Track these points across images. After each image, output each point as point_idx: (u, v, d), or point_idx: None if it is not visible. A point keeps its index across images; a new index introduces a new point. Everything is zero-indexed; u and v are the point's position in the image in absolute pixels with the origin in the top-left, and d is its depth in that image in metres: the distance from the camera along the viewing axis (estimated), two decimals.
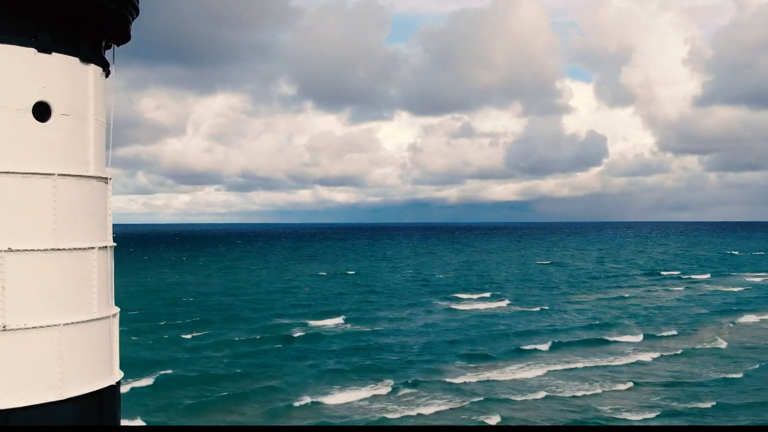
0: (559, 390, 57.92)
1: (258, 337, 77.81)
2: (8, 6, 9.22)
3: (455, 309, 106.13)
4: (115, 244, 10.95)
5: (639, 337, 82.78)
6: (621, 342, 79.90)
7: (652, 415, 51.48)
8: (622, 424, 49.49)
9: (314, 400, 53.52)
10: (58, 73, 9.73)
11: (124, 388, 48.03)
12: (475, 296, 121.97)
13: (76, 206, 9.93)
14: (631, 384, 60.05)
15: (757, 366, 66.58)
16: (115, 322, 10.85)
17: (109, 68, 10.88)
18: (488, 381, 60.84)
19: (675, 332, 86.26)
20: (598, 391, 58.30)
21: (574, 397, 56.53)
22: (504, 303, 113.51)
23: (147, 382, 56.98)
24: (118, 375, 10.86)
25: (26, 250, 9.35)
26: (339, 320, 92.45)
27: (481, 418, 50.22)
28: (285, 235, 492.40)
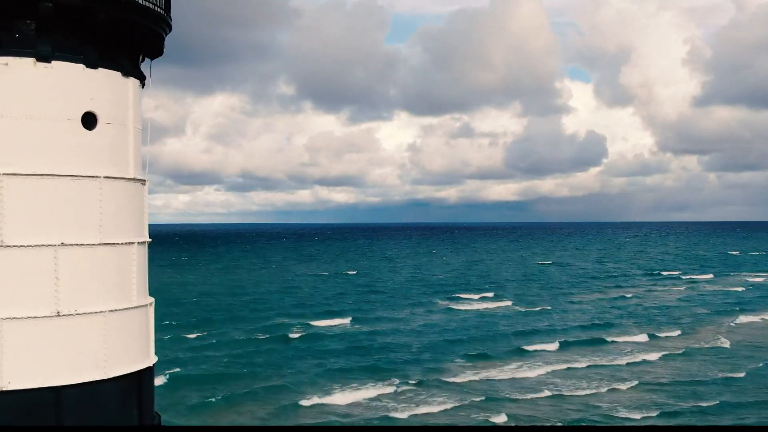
0: (561, 389, 58.33)
1: (259, 336, 78.07)
2: (60, 27, 10.33)
3: (456, 309, 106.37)
4: (150, 240, 12.06)
5: (640, 337, 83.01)
6: (622, 342, 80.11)
7: (654, 414, 51.88)
8: (623, 423, 49.84)
9: (316, 399, 53.87)
10: (103, 86, 10.84)
11: None
12: (476, 296, 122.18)
13: (118, 205, 11.05)
14: (632, 383, 60.35)
15: (760, 365, 67.00)
16: (151, 311, 11.97)
17: (145, 80, 11.99)
18: (490, 380, 61.26)
19: (676, 332, 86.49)
20: (601, 390, 58.66)
21: (576, 396, 56.85)
22: (505, 303, 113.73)
23: None
24: (154, 359, 11.96)
25: (77, 245, 10.46)
26: (340, 320, 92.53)
27: (484, 416, 50.62)
28: (285, 235, 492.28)
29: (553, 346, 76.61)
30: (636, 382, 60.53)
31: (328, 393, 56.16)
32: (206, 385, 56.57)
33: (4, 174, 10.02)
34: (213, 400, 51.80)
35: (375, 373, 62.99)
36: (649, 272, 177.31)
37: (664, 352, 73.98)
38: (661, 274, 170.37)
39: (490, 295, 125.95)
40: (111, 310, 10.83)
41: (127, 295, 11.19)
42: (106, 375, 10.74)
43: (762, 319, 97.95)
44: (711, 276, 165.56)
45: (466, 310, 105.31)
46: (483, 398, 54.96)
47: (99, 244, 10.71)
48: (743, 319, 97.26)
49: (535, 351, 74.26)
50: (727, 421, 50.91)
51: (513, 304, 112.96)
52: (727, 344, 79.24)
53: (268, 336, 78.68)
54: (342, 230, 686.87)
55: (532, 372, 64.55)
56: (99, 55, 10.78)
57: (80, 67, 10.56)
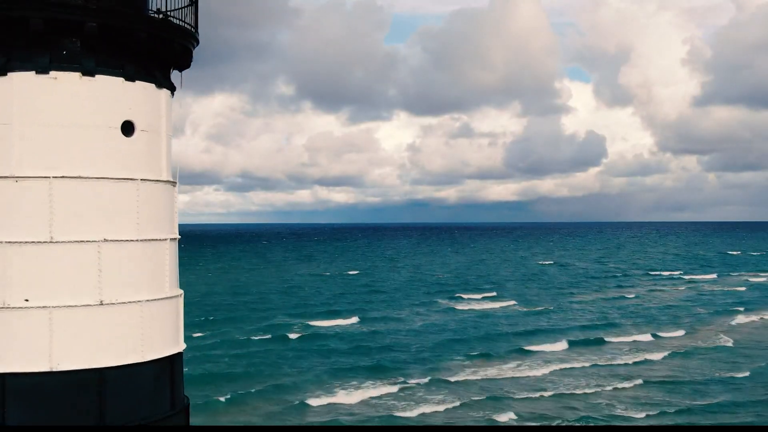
0: (564, 388, 58.77)
1: (260, 337, 78.41)
2: (103, 45, 11.46)
3: (458, 308, 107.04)
4: (179, 236, 13.19)
5: (642, 337, 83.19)
6: (624, 341, 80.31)
7: (655, 413, 52.19)
8: (626, 422, 49.93)
9: (319, 398, 54.22)
10: (139, 97, 11.98)
11: None
12: (478, 296, 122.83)
13: (153, 205, 12.18)
14: (635, 383, 60.62)
15: (763, 364, 67.60)
16: (181, 302, 13.09)
17: (175, 90, 13.12)
18: (493, 379, 61.80)
19: (678, 332, 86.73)
20: (604, 389, 58.89)
21: (578, 395, 57.06)
22: (506, 303, 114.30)
23: None
24: (183, 345, 13.09)
25: (117, 240, 11.60)
26: (342, 320, 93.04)
27: (488, 416, 51.11)
28: (284, 236, 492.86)
29: (555, 346, 76.86)
30: (639, 382, 60.87)
31: (331, 392, 56.61)
32: (209, 384, 57.08)
33: (53, 177, 11.15)
34: (216, 399, 52.18)
35: (378, 372, 63.64)
36: (650, 272, 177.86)
37: (666, 352, 74.23)
38: (661, 274, 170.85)
39: (492, 294, 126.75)
40: (147, 300, 11.96)
41: (160, 286, 12.32)
42: (143, 358, 11.87)
43: (762, 318, 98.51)
44: (712, 276, 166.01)
45: (467, 310, 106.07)
46: (486, 397, 55.60)
47: (136, 240, 11.84)
48: (745, 318, 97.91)
49: (537, 350, 74.67)
50: (730, 420, 51.15)
51: (514, 304, 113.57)
52: (729, 343, 79.77)
53: (269, 336, 79.22)
54: (342, 230, 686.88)
55: (534, 371, 65.01)
56: (136, 68, 11.91)
57: (120, 80, 11.69)
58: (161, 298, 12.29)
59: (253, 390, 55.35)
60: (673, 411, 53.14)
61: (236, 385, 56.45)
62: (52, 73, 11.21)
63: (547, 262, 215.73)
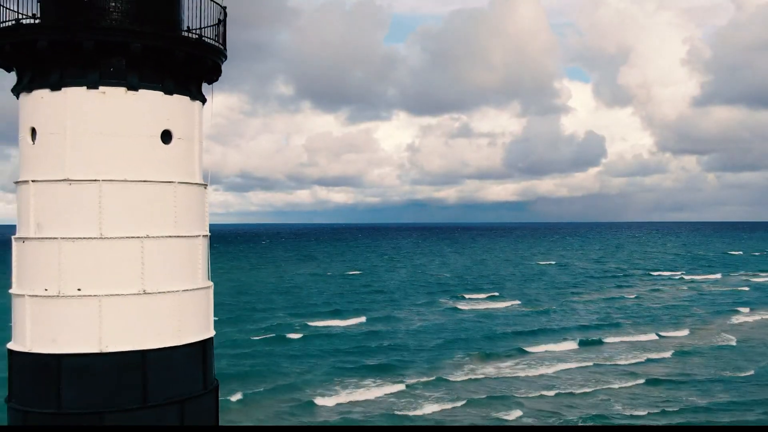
0: (567, 387, 59.34)
1: (262, 336, 78.82)
2: (145, 63, 12.89)
3: (460, 308, 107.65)
4: (210, 233, 14.62)
5: (644, 336, 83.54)
6: (627, 341, 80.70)
7: (657, 411, 52.60)
8: (628, 421, 50.40)
9: (324, 398, 54.82)
10: (176, 109, 13.41)
11: None
12: (479, 296, 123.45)
13: (188, 205, 13.62)
14: (637, 382, 61.08)
15: (765, 364, 68.11)
16: (211, 292, 14.52)
17: (206, 101, 14.55)
18: (496, 378, 62.52)
19: (680, 331, 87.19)
20: (606, 388, 59.29)
21: (581, 394, 57.49)
22: (508, 303, 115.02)
23: None
24: (213, 332, 14.52)
25: (158, 237, 13.03)
26: (344, 320, 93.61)
27: (492, 414, 51.67)
28: (284, 236, 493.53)
29: (557, 346, 77.33)
30: (641, 381, 61.25)
31: (337, 392, 57.07)
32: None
33: (103, 180, 12.58)
34: (227, 399, 52.15)
35: (382, 371, 64.28)
36: (651, 272, 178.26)
37: (668, 351, 74.51)
38: (662, 275, 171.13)
39: (493, 294, 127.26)
40: (183, 290, 13.40)
41: (194, 278, 13.76)
42: (180, 342, 13.31)
43: (764, 318, 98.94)
44: (713, 276, 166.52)
45: (469, 310, 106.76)
46: (489, 396, 56.18)
47: (174, 237, 13.27)
48: (748, 318, 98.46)
49: (539, 350, 75.13)
50: (733, 419, 51.24)
51: (516, 303, 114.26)
52: (732, 342, 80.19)
53: (272, 335, 79.56)
54: (341, 230, 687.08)
55: (536, 370, 65.57)
56: (174, 83, 13.34)
57: (160, 94, 13.12)
58: (195, 289, 13.73)
59: (262, 389, 55.93)
60: (675, 410, 53.40)
61: (245, 384, 56.78)
62: (101, 88, 12.64)
63: (547, 263, 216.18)
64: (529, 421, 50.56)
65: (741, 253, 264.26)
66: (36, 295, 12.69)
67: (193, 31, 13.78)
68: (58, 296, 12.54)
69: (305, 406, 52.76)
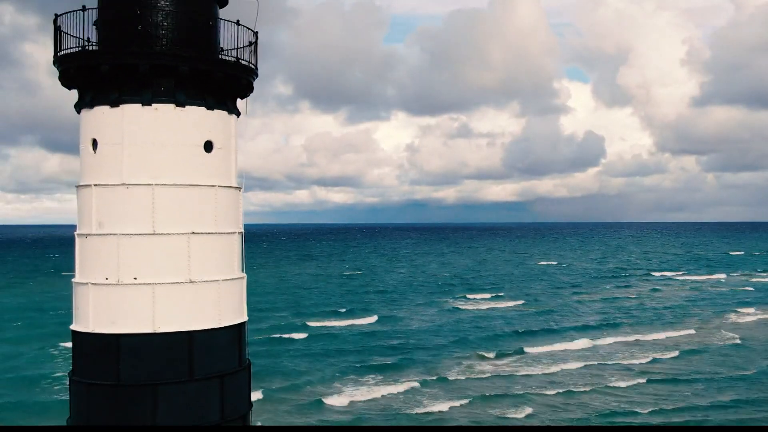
0: (570, 386, 59.82)
1: (265, 336, 79.27)
2: (191, 83, 14.90)
3: (462, 308, 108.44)
4: (243, 231, 16.63)
5: (646, 336, 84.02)
6: (632, 340, 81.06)
7: (658, 409, 52.98)
8: (631, 419, 50.86)
9: (332, 398, 55.43)
10: (216, 122, 15.43)
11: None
12: (481, 296, 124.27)
13: (226, 205, 15.63)
14: (641, 380, 61.42)
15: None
16: (245, 282, 16.52)
17: (240, 114, 16.56)
18: (499, 376, 63.35)
19: (683, 330, 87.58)
20: (610, 386, 59.72)
21: (584, 392, 57.97)
22: (510, 302, 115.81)
23: None
24: (246, 317, 16.53)
25: (201, 233, 15.04)
26: (347, 320, 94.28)
27: (500, 412, 52.25)
28: (283, 236, 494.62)
29: (560, 345, 77.52)
30: (644, 380, 61.52)
31: (344, 391, 57.55)
32: None
33: (155, 184, 14.60)
34: None
35: (385, 371, 64.87)
36: (651, 272, 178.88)
37: (670, 350, 74.51)
38: (662, 275, 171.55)
39: (496, 294, 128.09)
40: (222, 280, 15.42)
41: (231, 269, 15.78)
42: (220, 324, 15.33)
43: (765, 317, 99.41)
44: (713, 276, 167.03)
45: (472, 309, 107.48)
46: (495, 394, 56.75)
47: (215, 233, 15.29)
48: (749, 318, 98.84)
49: (543, 349, 75.23)
50: (738, 416, 51.69)
51: (518, 303, 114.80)
52: (734, 341, 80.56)
53: (274, 336, 79.71)
54: (341, 231, 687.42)
55: (541, 369, 66.02)
56: (214, 100, 15.36)
57: (203, 109, 15.14)
58: (232, 279, 15.75)
59: (274, 387, 56.94)
60: (676, 408, 53.83)
61: (256, 383, 58.32)
62: (154, 105, 14.65)
63: (547, 263, 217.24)
64: (534, 420, 51.07)
65: (741, 253, 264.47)
66: (97, 284, 14.71)
67: (228, 53, 15.81)
68: (117, 284, 14.55)
69: (312, 405, 53.53)
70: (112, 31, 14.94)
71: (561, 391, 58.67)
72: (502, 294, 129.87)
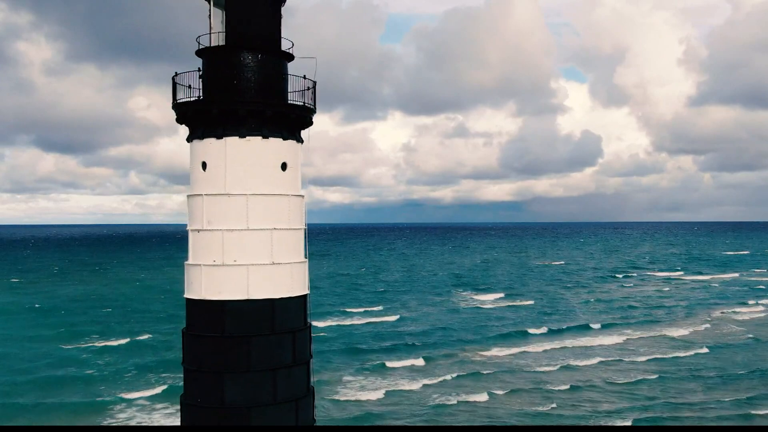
0: (571, 384, 62.04)
1: None
2: (272, 121, 20.85)
3: (464, 306, 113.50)
4: (307, 227, 22.58)
5: (646, 333, 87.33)
6: (630, 339, 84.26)
7: (655, 408, 54.98)
8: (633, 416, 52.64)
9: (345, 395, 58.82)
10: (289, 149, 21.39)
11: (156, 391, 57.52)
12: (484, 296, 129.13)
13: (295, 209, 21.59)
14: (644, 377, 63.99)
15: None
16: (307, 265, 22.44)
17: (303, 142, 22.52)
18: (501, 373, 66.95)
19: (682, 329, 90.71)
20: (612, 384, 62.08)
21: (586, 389, 60.27)
22: (513, 302, 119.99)
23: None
24: (308, 290, 22.46)
25: (280, 229, 21.01)
26: (350, 319, 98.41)
27: (518, 406, 54.78)
28: None
29: (560, 344, 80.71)
30: (645, 378, 64.18)
31: (357, 387, 61.03)
32: None
33: (249, 194, 20.55)
34: None
35: (392, 368, 68.43)
36: (652, 272, 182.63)
37: (671, 349, 77.07)
38: (663, 275, 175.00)
39: (497, 292, 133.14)
40: (294, 262, 21.38)
41: (299, 255, 21.75)
42: (292, 294, 21.29)
43: (764, 315, 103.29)
44: (713, 276, 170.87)
45: (474, 308, 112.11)
46: (500, 390, 59.80)
47: (288, 229, 21.25)
48: (748, 316, 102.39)
49: (544, 349, 78.10)
50: (739, 412, 53.84)
51: (519, 303, 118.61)
52: (736, 339, 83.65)
53: None
54: (338, 231, 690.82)
55: (545, 366, 69.10)
56: (287, 132, 21.33)
57: (280, 140, 21.09)
58: (300, 262, 21.73)
59: None
60: (689, 403, 56.30)
61: None
62: (247, 137, 20.61)
63: (546, 262, 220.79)
64: (538, 415, 53.33)
65: (738, 252, 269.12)
66: (207, 264, 20.68)
67: (295, 95, 21.76)
68: (221, 265, 20.53)
69: (336, 403, 56.69)
70: (215, 84, 20.90)
71: (563, 388, 61.27)
72: (502, 291, 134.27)
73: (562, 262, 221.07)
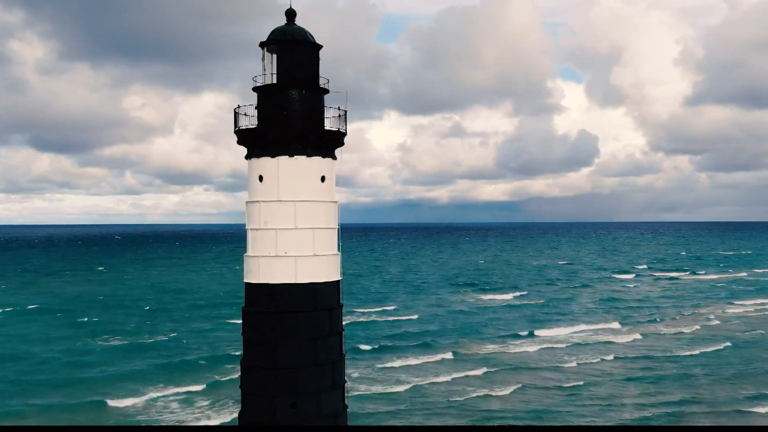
0: (573, 382, 64.23)
1: None
2: (314, 144, 26.58)
3: (464, 305, 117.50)
4: (339, 226, 28.27)
5: (646, 330, 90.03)
6: (630, 339, 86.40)
7: (657, 406, 56.97)
8: (636, 413, 54.39)
9: (361, 390, 61.54)
10: (327, 165, 27.12)
11: (178, 389, 60.80)
12: (485, 295, 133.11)
13: (331, 212, 27.33)
14: (645, 374, 66.27)
15: None
16: (339, 257, 28.10)
17: (336, 158, 28.22)
18: (502, 371, 69.96)
19: (682, 328, 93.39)
20: (614, 382, 64.17)
21: (587, 386, 62.73)
22: (515, 301, 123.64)
23: (197, 387, 65.28)
24: (341, 277, 28.15)
25: (320, 228, 26.76)
26: (354, 318, 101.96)
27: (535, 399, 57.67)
28: None
29: (561, 343, 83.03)
30: (645, 376, 66.42)
31: (372, 381, 64.14)
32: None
33: (297, 201, 26.27)
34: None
35: (400, 364, 71.64)
36: (650, 271, 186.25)
37: (671, 348, 79.15)
38: (662, 274, 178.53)
39: (497, 291, 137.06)
40: (330, 254, 27.12)
41: (333, 248, 27.48)
42: (329, 279, 27.02)
43: (763, 313, 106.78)
44: (712, 275, 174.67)
45: (475, 306, 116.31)
46: (518, 387, 62.33)
47: (326, 228, 27.00)
48: (747, 314, 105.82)
49: (545, 347, 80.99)
50: (738, 408, 55.64)
51: (519, 301, 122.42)
52: (732, 337, 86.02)
53: None
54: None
55: (551, 364, 71.72)
56: (325, 151, 27.06)
57: (320, 158, 26.81)
58: (334, 254, 27.47)
59: None
60: (682, 401, 58.05)
61: None
62: (295, 156, 26.31)
63: (544, 261, 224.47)
64: (541, 412, 55.56)
65: (737, 252, 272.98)
66: (264, 256, 26.39)
67: (331, 119, 27.49)
68: (275, 256, 26.26)
69: (357, 398, 59.07)
70: (269, 113, 26.60)
71: (565, 385, 63.86)
72: (502, 290, 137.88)
73: (563, 262, 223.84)
